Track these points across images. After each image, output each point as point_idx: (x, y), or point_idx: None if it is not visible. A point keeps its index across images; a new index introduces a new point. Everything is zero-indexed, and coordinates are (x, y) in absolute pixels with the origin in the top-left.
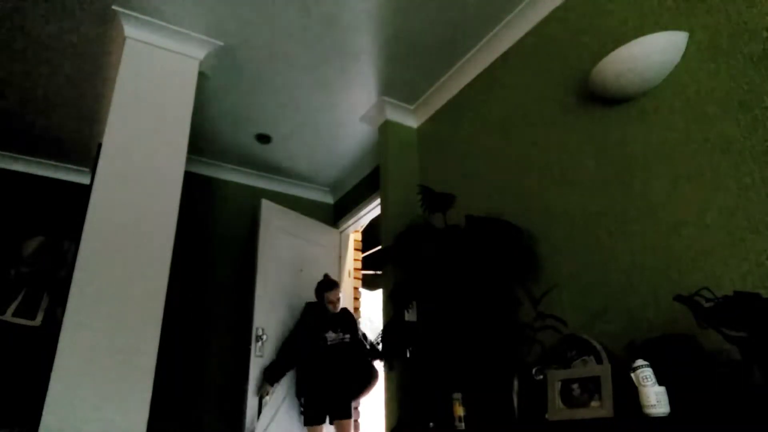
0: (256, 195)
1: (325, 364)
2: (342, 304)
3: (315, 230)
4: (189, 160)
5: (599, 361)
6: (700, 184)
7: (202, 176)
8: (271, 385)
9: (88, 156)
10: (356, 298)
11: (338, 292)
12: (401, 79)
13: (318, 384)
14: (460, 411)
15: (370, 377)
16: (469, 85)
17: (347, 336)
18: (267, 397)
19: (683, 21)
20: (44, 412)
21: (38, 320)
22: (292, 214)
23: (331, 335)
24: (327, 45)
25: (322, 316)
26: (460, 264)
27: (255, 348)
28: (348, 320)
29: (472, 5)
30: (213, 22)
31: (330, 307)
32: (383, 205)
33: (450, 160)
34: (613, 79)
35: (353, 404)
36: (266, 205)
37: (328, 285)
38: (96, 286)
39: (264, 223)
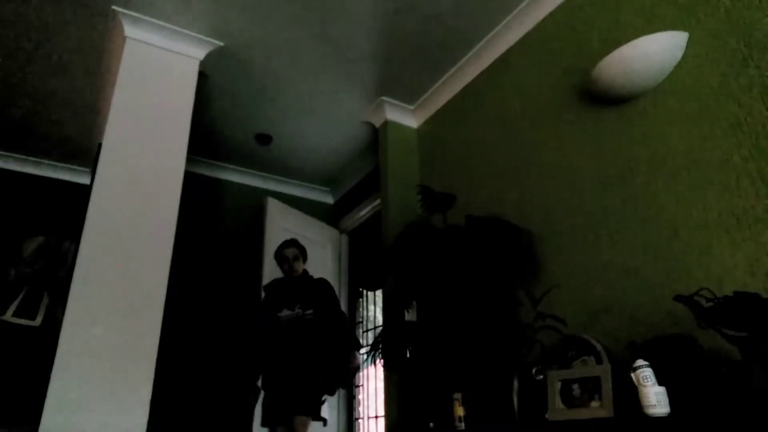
0: (256, 195)
1: (278, 349)
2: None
3: (317, 230)
4: (189, 160)
5: (599, 361)
6: (699, 184)
7: (203, 176)
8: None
9: (88, 156)
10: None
11: (297, 250)
12: (401, 79)
13: (272, 375)
14: (460, 411)
15: (345, 367)
16: (469, 86)
17: (309, 312)
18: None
19: (683, 21)
20: (44, 412)
21: (38, 320)
22: (297, 213)
23: (285, 312)
24: (327, 45)
25: (281, 290)
26: (460, 264)
27: None
28: (315, 290)
29: (472, 6)
30: (213, 23)
31: (287, 268)
32: (383, 205)
33: (450, 160)
34: (613, 79)
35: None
36: (272, 203)
37: (284, 243)
38: (96, 286)
39: (269, 222)
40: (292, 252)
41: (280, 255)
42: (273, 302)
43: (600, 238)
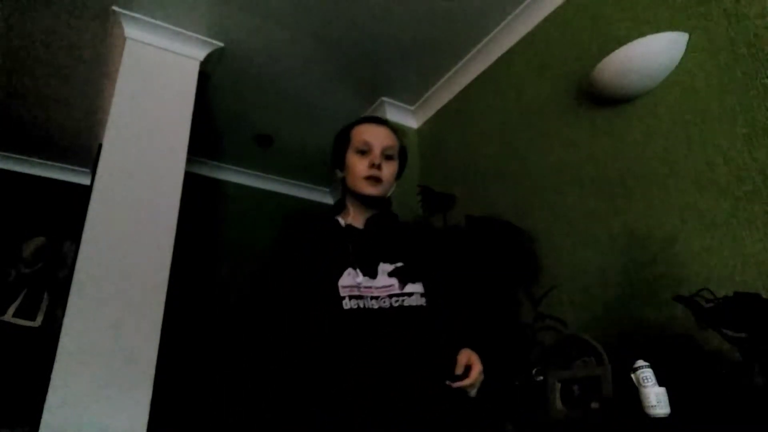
0: (256, 196)
1: (349, 371)
2: None
3: None
4: (189, 161)
5: (599, 361)
6: (699, 185)
7: (203, 177)
8: None
9: (88, 156)
10: None
11: (395, 137)
12: (401, 79)
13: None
14: None
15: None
16: (470, 86)
17: (414, 290)
18: None
19: (683, 21)
20: (44, 412)
21: (38, 321)
22: None
23: (357, 282)
24: (327, 45)
25: (336, 230)
26: (460, 264)
27: None
28: (422, 238)
29: (472, 6)
30: (214, 23)
31: (362, 184)
32: None
33: (450, 160)
34: (613, 80)
35: None
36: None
37: (367, 119)
38: (96, 287)
39: None
40: (384, 137)
41: (351, 137)
42: (321, 257)
43: (600, 239)
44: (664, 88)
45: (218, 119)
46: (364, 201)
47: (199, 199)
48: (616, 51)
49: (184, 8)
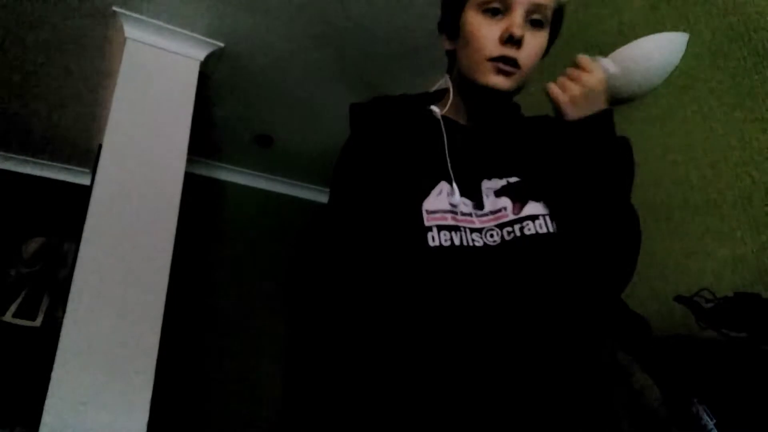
0: (256, 196)
1: (437, 359)
2: None
3: None
4: (189, 161)
5: None
6: (700, 185)
7: (203, 177)
8: None
9: (88, 157)
10: None
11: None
12: (401, 79)
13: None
14: None
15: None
16: None
17: (538, 211)
18: None
19: (684, 22)
20: (44, 413)
21: (38, 321)
22: None
23: (453, 205)
24: (327, 45)
25: (428, 129)
26: None
27: None
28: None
29: None
30: (214, 23)
31: (484, 68)
32: None
33: None
34: (612, 80)
35: None
36: None
37: None
38: (96, 287)
39: None
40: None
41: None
42: (399, 163)
43: None
44: (664, 88)
45: (218, 119)
46: (483, 95)
47: (199, 199)
48: (617, 51)
49: (184, 8)
